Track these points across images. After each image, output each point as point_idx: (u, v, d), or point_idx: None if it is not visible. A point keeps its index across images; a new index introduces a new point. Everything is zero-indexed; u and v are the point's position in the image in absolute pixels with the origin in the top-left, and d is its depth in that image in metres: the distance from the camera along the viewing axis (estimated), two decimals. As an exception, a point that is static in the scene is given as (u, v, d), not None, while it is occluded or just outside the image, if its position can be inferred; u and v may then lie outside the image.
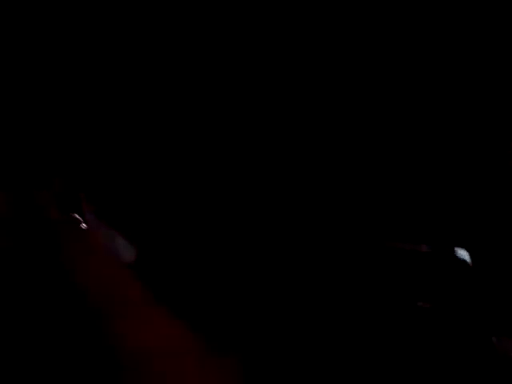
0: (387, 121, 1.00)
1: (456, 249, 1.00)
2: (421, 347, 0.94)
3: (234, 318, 0.94)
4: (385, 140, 1.01)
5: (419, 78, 0.98)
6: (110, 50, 1.00)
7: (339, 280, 0.98)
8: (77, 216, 0.99)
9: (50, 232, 0.87)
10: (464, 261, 0.99)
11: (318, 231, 1.01)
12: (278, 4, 0.96)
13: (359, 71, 0.99)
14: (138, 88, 1.01)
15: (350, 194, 1.02)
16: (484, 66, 0.96)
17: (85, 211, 1.00)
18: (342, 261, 0.99)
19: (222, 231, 1.02)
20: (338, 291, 0.97)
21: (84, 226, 0.99)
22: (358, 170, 1.02)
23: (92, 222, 1.01)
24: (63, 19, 0.99)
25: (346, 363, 0.91)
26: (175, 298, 0.99)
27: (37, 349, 0.77)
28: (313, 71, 0.99)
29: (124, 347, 0.74)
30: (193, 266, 1.02)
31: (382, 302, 0.97)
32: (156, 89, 1.01)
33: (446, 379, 0.90)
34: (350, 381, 0.90)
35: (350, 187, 1.02)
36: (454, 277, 0.98)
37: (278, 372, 0.89)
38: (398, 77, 0.99)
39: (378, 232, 1.01)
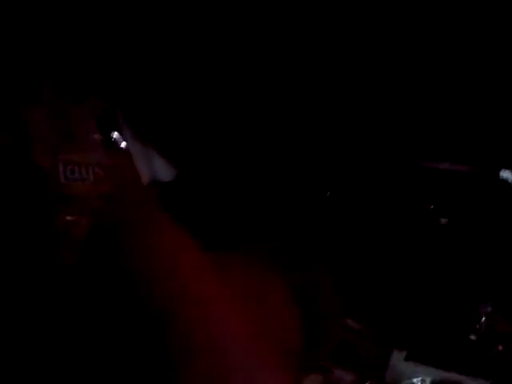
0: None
1: (501, 170, 0.98)
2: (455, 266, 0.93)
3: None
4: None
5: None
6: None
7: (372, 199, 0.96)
8: (116, 135, 0.94)
9: None
10: (509, 183, 0.97)
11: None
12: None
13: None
14: None
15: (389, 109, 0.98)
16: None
17: (122, 130, 0.96)
18: (378, 183, 0.97)
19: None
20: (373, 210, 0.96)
21: (123, 145, 0.95)
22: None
23: (129, 140, 0.96)
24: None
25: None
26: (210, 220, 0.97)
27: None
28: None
29: None
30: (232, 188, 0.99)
31: (417, 225, 0.95)
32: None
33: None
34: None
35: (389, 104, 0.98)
36: (496, 200, 0.96)
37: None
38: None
39: (413, 151, 0.98)
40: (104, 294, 0.76)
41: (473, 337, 0.92)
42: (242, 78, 0.96)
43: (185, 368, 0.69)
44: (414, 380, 0.84)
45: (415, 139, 0.98)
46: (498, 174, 0.97)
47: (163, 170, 1.00)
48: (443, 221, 0.96)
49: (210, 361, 0.69)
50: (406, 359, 0.88)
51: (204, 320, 0.71)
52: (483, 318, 0.93)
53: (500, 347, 0.88)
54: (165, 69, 0.96)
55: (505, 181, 0.97)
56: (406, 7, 0.90)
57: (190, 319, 0.71)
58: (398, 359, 0.87)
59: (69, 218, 0.84)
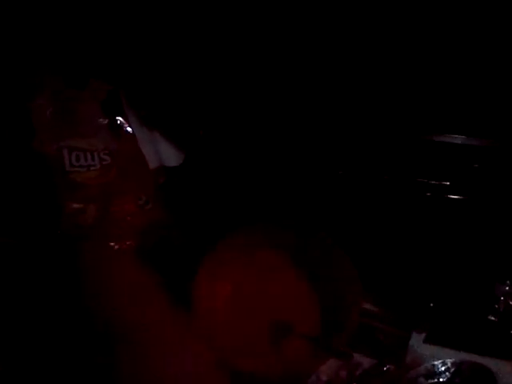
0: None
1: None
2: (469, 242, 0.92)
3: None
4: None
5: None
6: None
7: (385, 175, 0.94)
8: (121, 119, 0.92)
9: None
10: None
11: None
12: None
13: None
14: None
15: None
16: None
17: (127, 114, 0.93)
18: (388, 155, 0.95)
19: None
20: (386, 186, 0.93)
21: (128, 129, 0.92)
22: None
23: (135, 125, 0.94)
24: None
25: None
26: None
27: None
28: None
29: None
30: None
31: (431, 199, 0.93)
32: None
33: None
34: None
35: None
36: (493, 172, 0.93)
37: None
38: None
39: (427, 124, 0.95)
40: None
41: (492, 317, 0.90)
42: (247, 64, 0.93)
43: None
44: (435, 362, 0.83)
45: (430, 114, 0.95)
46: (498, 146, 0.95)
47: (171, 155, 0.97)
48: (460, 198, 0.94)
49: None
50: (426, 341, 0.86)
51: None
52: (502, 298, 0.91)
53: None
54: (171, 50, 0.93)
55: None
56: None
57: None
58: (417, 341, 0.86)
59: (76, 205, 0.83)
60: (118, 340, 0.76)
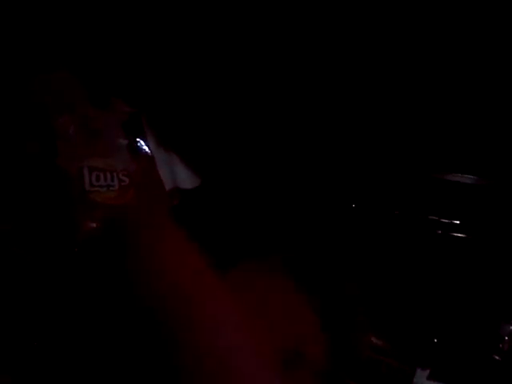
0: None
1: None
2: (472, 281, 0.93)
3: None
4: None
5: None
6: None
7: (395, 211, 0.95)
8: (142, 142, 0.93)
9: None
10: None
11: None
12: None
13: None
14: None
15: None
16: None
17: (147, 135, 0.95)
18: (400, 192, 0.96)
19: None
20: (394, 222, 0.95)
21: (148, 151, 0.94)
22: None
23: (153, 146, 0.95)
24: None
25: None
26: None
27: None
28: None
29: None
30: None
31: (438, 236, 0.94)
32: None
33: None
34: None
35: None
36: (502, 212, 0.95)
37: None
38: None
39: (437, 164, 0.97)
40: (103, 291, 0.77)
41: (496, 356, 0.91)
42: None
43: (188, 368, 0.70)
44: (438, 399, 0.84)
45: (427, 151, 0.97)
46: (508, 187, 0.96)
47: (186, 178, 0.99)
48: (461, 235, 0.95)
49: (211, 361, 0.69)
50: (429, 378, 0.87)
51: (204, 321, 0.72)
52: (506, 338, 0.92)
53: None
54: (190, 77, 0.95)
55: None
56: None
57: (191, 319, 0.72)
58: (421, 377, 0.87)
59: (93, 225, 0.84)
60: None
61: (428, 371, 0.87)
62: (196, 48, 0.95)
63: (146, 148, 0.94)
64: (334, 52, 0.92)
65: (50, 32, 0.91)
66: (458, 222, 0.95)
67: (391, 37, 0.91)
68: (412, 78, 0.93)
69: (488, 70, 0.91)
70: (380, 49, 0.92)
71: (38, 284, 0.81)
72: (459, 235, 0.96)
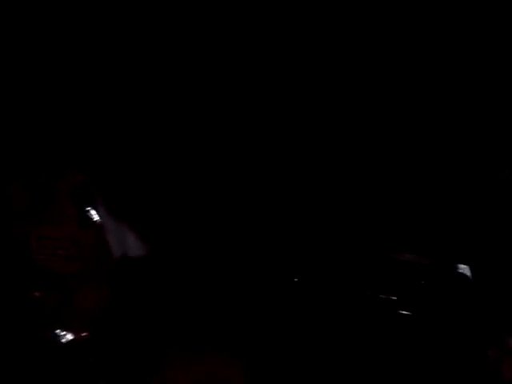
0: (385, 128, 1.00)
1: (457, 263, 1.02)
2: (417, 358, 0.96)
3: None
4: (384, 151, 1.01)
5: (419, 79, 0.98)
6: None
7: (338, 286, 0.98)
8: (91, 211, 0.95)
9: None
10: (465, 275, 1.01)
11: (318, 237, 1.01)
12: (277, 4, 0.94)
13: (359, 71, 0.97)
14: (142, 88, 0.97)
15: (352, 203, 1.02)
16: (484, 69, 0.96)
17: (98, 206, 0.97)
18: (342, 268, 1.00)
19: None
20: (338, 297, 0.98)
21: (98, 220, 0.96)
22: (358, 178, 1.02)
23: (104, 216, 0.97)
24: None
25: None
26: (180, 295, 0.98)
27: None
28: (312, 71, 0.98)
29: None
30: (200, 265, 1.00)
31: (379, 312, 0.98)
32: (158, 88, 0.98)
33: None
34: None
35: (352, 195, 1.02)
36: (454, 291, 1.00)
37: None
38: (397, 78, 0.98)
39: (379, 242, 1.01)
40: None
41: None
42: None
43: None
44: None
45: (383, 233, 1.01)
46: (457, 268, 1.01)
47: (135, 246, 1.01)
48: (406, 313, 0.98)
49: None
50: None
51: None
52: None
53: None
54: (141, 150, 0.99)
55: (462, 274, 1.01)
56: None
57: None
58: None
59: (37, 293, 0.85)
60: None
61: None
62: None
63: (95, 217, 0.96)
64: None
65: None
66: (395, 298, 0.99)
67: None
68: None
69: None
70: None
71: None
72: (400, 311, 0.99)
